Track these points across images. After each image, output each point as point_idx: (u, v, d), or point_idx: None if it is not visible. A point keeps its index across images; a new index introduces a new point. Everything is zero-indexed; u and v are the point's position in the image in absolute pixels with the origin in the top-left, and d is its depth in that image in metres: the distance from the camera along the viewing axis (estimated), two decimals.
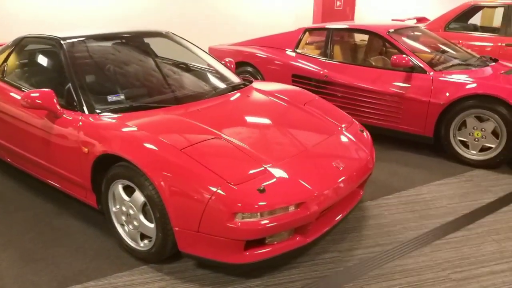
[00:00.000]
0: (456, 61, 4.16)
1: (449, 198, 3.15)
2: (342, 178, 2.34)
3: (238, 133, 2.40)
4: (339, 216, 2.42)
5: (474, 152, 3.69)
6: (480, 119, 3.59)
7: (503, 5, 6.16)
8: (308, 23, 6.77)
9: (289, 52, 4.73)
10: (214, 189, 1.96)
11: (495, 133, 3.55)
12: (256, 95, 3.06)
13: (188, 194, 1.98)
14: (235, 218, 1.94)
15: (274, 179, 2.10)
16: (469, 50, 4.71)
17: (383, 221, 2.83)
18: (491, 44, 6.11)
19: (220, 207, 1.94)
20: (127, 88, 2.81)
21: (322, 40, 4.72)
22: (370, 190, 3.26)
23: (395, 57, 3.82)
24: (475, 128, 3.63)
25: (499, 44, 6.04)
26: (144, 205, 2.20)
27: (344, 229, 2.73)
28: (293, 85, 4.56)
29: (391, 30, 4.32)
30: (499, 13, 8.07)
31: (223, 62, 3.76)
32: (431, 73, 3.82)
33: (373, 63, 4.51)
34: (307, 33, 4.78)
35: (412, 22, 7.17)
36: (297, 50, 4.72)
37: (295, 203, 2.07)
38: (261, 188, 2.00)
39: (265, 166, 2.17)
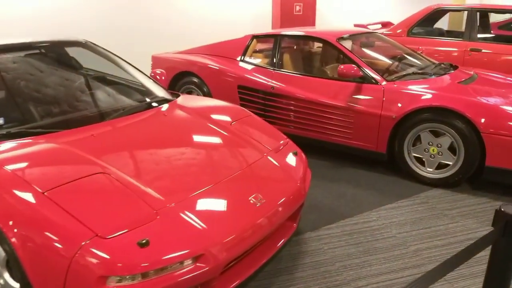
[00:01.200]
0: (412, 70, 3.83)
1: (400, 226, 2.79)
2: (261, 216, 1.95)
3: (134, 165, 1.98)
4: (260, 262, 2.03)
5: (431, 169, 3.35)
6: (435, 133, 3.26)
7: (467, 9, 5.92)
8: (268, 29, 6.41)
9: (236, 61, 4.35)
10: (80, 244, 1.54)
11: (452, 149, 3.23)
12: (176, 114, 2.65)
13: (47, 251, 1.55)
14: (107, 282, 1.52)
15: (165, 226, 1.69)
16: (428, 57, 4.40)
17: (321, 259, 2.45)
18: (455, 49, 5.86)
19: (87, 267, 1.51)
20: (16, 109, 2.37)
21: (270, 48, 4.35)
22: (312, 217, 2.88)
23: (342, 66, 3.47)
24: (430, 143, 3.30)
25: (464, 49, 5.80)
26: (8, 260, 1.76)
27: (274, 271, 2.33)
28: (240, 97, 4.19)
29: (344, 36, 3.98)
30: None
31: (153, 74, 3.36)
32: (383, 84, 3.48)
33: (324, 73, 4.16)
34: (254, 40, 4.40)
35: (376, 27, 6.89)
36: (244, 59, 4.33)
37: (192, 256, 1.66)
38: (143, 241, 1.59)
39: (158, 208, 1.76)
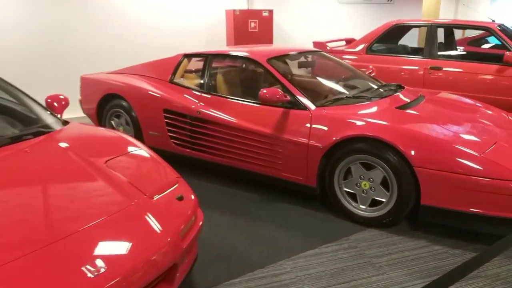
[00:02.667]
0: (349, 93, 3.46)
1: (315, 280, 2.37)
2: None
3: None
4: None
5: (364, 207, 2.95)
6: (368, 166, 2.88)
7: (426, 24, 5.62)
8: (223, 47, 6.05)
9: (165, 83, 3.96)
10: None
11: (386, 184, 2.83)
12: (43, 150, 2.22)
13: None
14: None
15: None
16: (374, 78, 4.04)
17: None
18: (416, 68, 5.54)
19: None
20: None
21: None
22: (216, 270, 2.45)
23: (264, 91, 3.08)
24: (362, 177, 2.90)
25: (424, 67, 5.48)
26: None
27: None
28: (166, 122, 3.79)
29: (277, 56, 3.61)
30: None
31: (50, 100, 2.94)
32: (312, 109, 3.10)
33: (253, 97, 3.74)
34: (185, 59, 4.01)
35: (339, 44, 6.56)
36: (174, 80, 3.94)
37: None
38: None
39: None
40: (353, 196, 2.98)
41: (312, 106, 3.11)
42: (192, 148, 3.69)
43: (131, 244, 1.74)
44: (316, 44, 6.39)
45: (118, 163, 2.21)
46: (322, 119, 3.01)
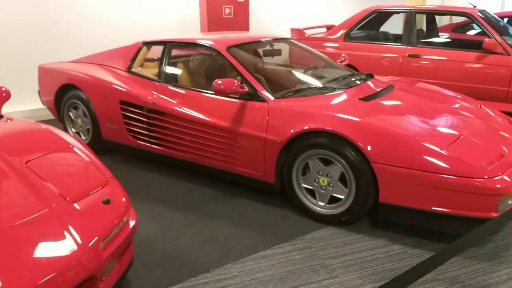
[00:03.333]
0: (311, 84, 3.27)
1: (261, 285, 2.22)
2: None
3: None
4: None
5: (322, 204, 2.79)
6: (326, 161, 2.71)
7: (406, 10, 5.41)
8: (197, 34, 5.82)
9: (122, 72, 3.75)
10: None
11: (344, 180, 2.67)
12: None
13: None
14: None
15: None
16: (344, 67, 3.85)
17: None
18: (394, 56, 5.34)
19: None
20: None
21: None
22: (157, 275, 2.28)
23: (219, 81, 2.89)
24: (320, 173, 2.74)
25: (402, 55, 5.29)
26: None
27: None
28: (122, 114, 3.59)
29: (239, 44, 3.41)
30: (420, 19, 7.43)
31: None
32: (271, 101, 2.92)
33: (211, 88, 3.55)
34: (145, 47, 3.80)
35: (319, 31, 6.34)
36: (132, 70, 3.74)
37: None
38: None
39: None
40: (312, 193, 2.83)
41: (271, 98, 2.93)
42: (150, 142, 3.50)
43: (35, 257, 1.57)
44: (294, 31, 6.17)
45: (41, 163, 2.02)
46: (279, 112, 2.83)
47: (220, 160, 3.13)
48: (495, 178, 2.28)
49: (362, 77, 3.51)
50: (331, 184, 2.71)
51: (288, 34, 6.37)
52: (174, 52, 3.75)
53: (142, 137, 3.54)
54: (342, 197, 2.68)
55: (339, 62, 4.12)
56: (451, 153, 2.38)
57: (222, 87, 2.86)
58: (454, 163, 2.34)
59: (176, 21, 6.17)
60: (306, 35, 6.10)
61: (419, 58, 5.18)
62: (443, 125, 2.72)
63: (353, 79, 3.41)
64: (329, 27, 6.51)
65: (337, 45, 5.68)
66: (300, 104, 2.85)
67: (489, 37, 4.81)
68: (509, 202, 2.39)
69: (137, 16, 5.87)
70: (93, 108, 3.80)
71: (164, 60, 3.56)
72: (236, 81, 2.91)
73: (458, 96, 3.49)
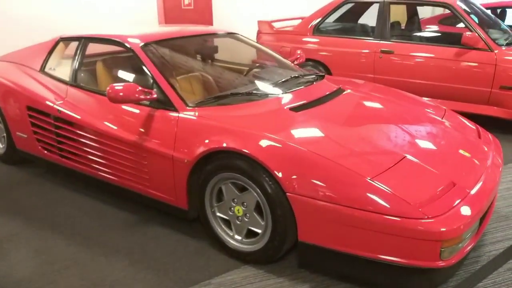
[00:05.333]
0: (239, 89, 2.74)
1: None
2: None
3: None
4: None
5: (239, 237, 2.29)
6: (243, 187, 2.21)
7: (379, 0, 4.85)
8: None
9: (34, 73, 3.24)
10: None
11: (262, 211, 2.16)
12: None
13: None
14: None
15: None
16: (293, 66, 3.32)
17: None
18: (366, 51, 4.80)
19: None
20: None
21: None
22: None
23: (117, 87, 2.35)
24: (234, 201, 2.24)
25: (374, 51, 4.74)
26: None
27: None
28: (31, 122, 3.10)
29: (162, 40, 2.89)
30: (400, 11, 6.81)
31: None
32: (183, 110, 2.41)
33: None
34: (61, 44, 3.29)
35: (290, 23, 5.79)
36: (45, 70, 3.23)
37: None
38: None
39: None
40: (228, 224, 2.33)
41: (184, 106, 2.42)
42: (59, 154, 3.00)
43: None
44: (261, 23, 5.63)
45: None
46: (190, 124, 2.32)
47: (129, 180, 2.63)
48: (436, 218, 1.77)
49: (310, 78, 2.99)
50: (247, 214, 2.21)
51: (256, 27, 5.82)
52: (97, 49, 3.25)
53: (51, 149, 3.04)
54: (259, 231, 2.18)
55: (294, 59, 3.60)
56: (384, 182, 1.86)
57: (120, 94, 2.34)
58: (384, 197, 1.81)
59: (132, 11, 5.63)
60: (274, 28, 5.57)
61: (392, 54, 4.63)
62: (383, 144, 2.18)
63: (297, 82, 2.89)
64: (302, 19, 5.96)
65: (307, 39, 5.15)
66: (216, 115, 2.33)
67: (470, 31, 4.26)
68: (460, 246, 1.88)
69: (90, 4, 5.34)
70: (4, 114, 3.31)
71: (77, 59, 3.05)
72: (138, 86, 2.40)
73: (422, 102, 2.96)
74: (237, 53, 3.48)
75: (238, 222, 2.25)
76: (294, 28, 5.33)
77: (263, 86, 2.79)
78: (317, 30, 5.14)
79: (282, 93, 2.63)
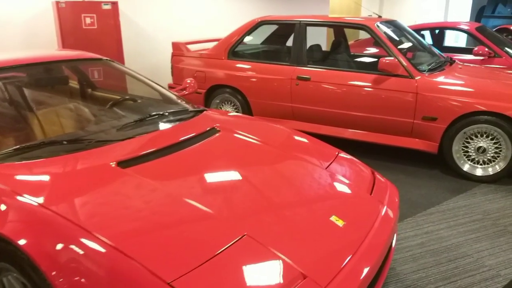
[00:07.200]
0: (70, 135, 2.14)
1: None
2: None
3: None
4: None
5: None
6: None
7: (294, 22, 4.40)
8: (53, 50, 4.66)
9: None
10: None
11: None
12: None
13: None
14: None
15: None
16: (177, 97, 2.77)
17: None
18: (282, 78, 4.31)
19: None
20: None
21: None
22: None
23: None
24: None
25: (290, 77, 4.26)
26: None
27: None
28: None
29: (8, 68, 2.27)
30: (328, 33, 6.46)
31: None
32: None
33: None
34: None
35: (207, 46, 5.27)
36: None
37: None
38: None
39: None
40: None
41: None
42: None
43: None
44: (175, 45, 5.08)
45: None
46: None
47: None
48: None
49: (183, 116, 2.43)
50: None
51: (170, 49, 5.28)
52: None
53: None
54: None
55: (183, 89, 3.06)
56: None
57: None
58: None
59: (26, 34, 4.95)
60: (189, 51, 5.03)
61: (309, 82, 4.18)
62: (216, 221, 1.64)
63: (162, 120, 2.33)
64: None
65: (222, 63, 4.64)
66: (5, 175, 1.72)
67: (389, 56, 3.86)
68: None
69: None
70: None
71: None
72: None
73: (306, 144, 2.44)
74: (104, 83, 2.90)
75: None
76: (209, 51, 4.81)
77: (104, 128, 2.20)
78: (233, 54, 4.64)
79: (123, 139, 2.05)
